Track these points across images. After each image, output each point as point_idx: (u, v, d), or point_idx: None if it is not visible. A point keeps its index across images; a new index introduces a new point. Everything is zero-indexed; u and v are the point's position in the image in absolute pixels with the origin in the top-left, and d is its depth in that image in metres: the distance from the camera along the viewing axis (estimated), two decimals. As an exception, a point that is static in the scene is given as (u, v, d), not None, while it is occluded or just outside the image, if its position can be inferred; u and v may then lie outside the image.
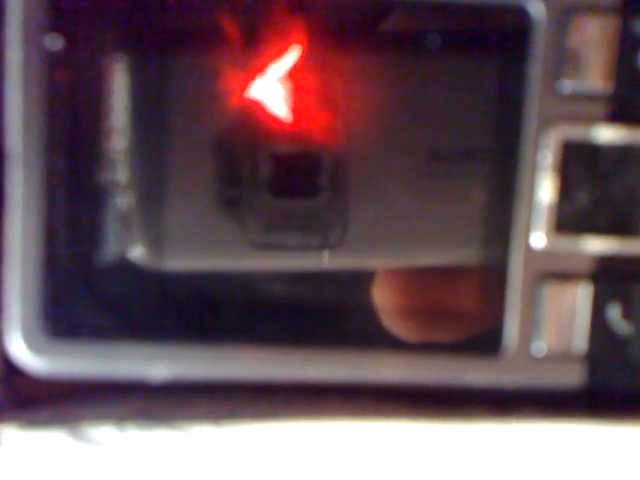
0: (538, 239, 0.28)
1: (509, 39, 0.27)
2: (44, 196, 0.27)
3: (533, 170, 0.27)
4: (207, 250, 0.29)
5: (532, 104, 0.27)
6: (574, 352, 0.28)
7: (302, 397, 0.29)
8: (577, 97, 0.27)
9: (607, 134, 0.27)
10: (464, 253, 0.29)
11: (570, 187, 0.27)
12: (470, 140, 0.28)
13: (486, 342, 0.28)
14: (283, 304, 0.29)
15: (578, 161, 0.27)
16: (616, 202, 0.27)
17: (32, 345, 0.28)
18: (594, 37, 0.26)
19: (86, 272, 0.28)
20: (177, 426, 0.29)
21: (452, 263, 0.29)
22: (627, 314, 0.28)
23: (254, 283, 0.29)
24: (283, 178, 0.29)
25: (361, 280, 0.29)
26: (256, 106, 0.28)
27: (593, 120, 0.27)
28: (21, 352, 0.28)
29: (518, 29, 0.27)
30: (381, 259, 0.29)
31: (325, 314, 0.29)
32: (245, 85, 0.28)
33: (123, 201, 0.28)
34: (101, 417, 0.29)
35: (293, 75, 0.28)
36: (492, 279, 0.28)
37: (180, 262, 0.29)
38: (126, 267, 0.28)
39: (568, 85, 0.27)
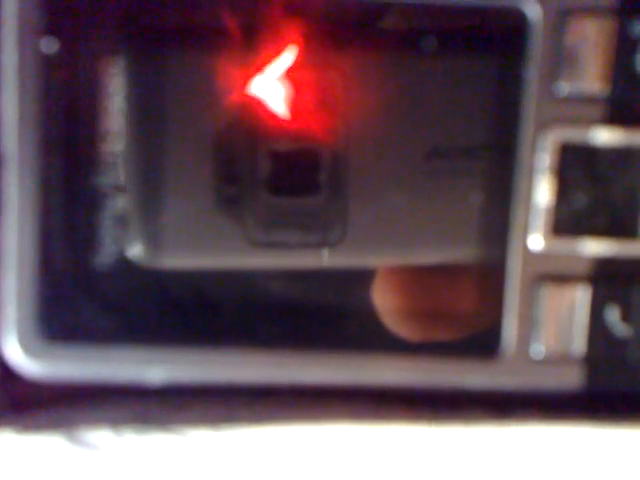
0: (536, 241, 0.28)
1: (506, 41, 0.27)
2: (40, 198, 0.27)
3: (530, 172, 0.27)
4: (206, 248, 0.29)
5: (529, 106, 0.27)
6: (572, 354, 0.28)
7: (300, 400, 0.29)
8: (574, 99, 0.27)
9: (604, 136, 0.27)
10: (463, 252, 0.29)
11: (568, 189, 0.27)
12: (468, 141, 0.28)
13: (484, 344, 0.28)
14: (282, 305, 0.29)
15: (575, 163, 0.27)
16: (614, 204, 0.27)
17: (28, 348, 0.28)
18: (591, 39, 0.26)
19: (83, 274, 0.28)
20: (174, 430, 0.28)
21: (452, 262, 0.29)
22: (625, 316, 0.28)
23: (252, 283, 0.29)
24: (282, 176, 0.29)
25: (360, 280, 0.29)
26: (255, 104, 0.28)
27: (590, 122, 0.27)
28: (17, 355, 0.28)
29: (515, 31, 0.27)
30: (380, 257, 0.29)
31: (324, 315, 0.29)
32: (244, 83, 0.28)
33: (121, 200, 0.28)
34: (98, 421, 0.29)
35: (292, 73, 0.28)
36: (490, 281, 0.28)
37: (179, 260, 0.29)
38: (124, 266, 0.28)
39: (565, 87, 0.27)
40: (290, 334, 0.28)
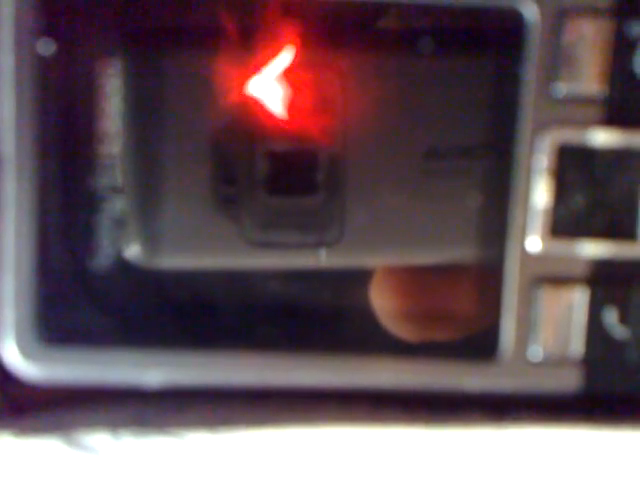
0: (534, 243, 0.28)
1: (503, 41, 0.27)
2: (37, 199, 0.27)
3: (528, 174, 0.27)
4: (204, 249, 0.29)
5: (526, 107, 0.27)
6: (570, 356, 0.28)
7: (297, 403, 0.29)
8: (572, 100, 0.27)
9: (602, 137, 0.27)
10: (461, 253, 0.29)
11: (565, 191, 0.27)
12: (466, 141, 0.28)
13: (482, 346, 0.28)
14: (279, 306, 0.29)
15: (573, 165, 0.27)
16: (612, 205, 0.27)
17: (26, 351, 0.28)
18: (588, 40, 0.26)
19: (81, 275, 0.28)
20: (172, 432, 0.28)
21: (449, 263, 0.29)
22: (624, 318, 0.28)
23: (250, 284, 0.29)
24: (280, 176, 0.29)
25: (357, 281, 0.29)
26: (252, 104, 0.28)
27: (588, 123, 0.27)
28: (14, 358, 0.28)
29: (512, 31, 0.27)
30: (378, 258, 0.29)
31: (321, 317, 0.29)
32: (241, 84, 0.28)
33: (118, 201, 0.28)
34: (95, 424, 0.29)
35: (290, 74, 0.28)
36: (488, 282, 0.28)
37: (177, 261, 0.29)
38: (122, 267, 0.28)
39: (562, 88, 0.27)
40: (287, 336, 0.28)
